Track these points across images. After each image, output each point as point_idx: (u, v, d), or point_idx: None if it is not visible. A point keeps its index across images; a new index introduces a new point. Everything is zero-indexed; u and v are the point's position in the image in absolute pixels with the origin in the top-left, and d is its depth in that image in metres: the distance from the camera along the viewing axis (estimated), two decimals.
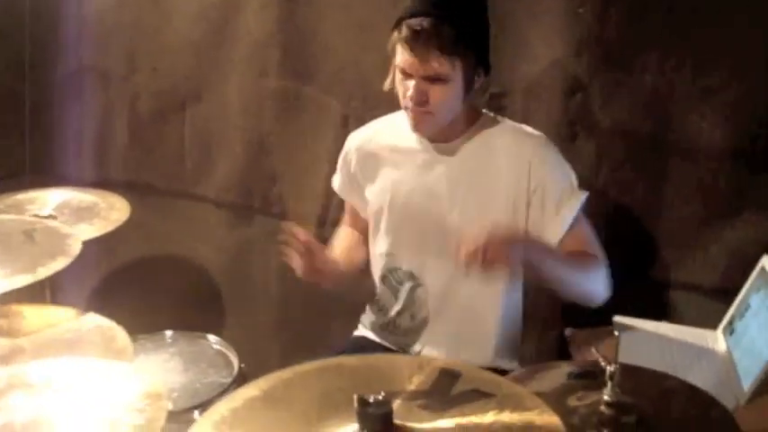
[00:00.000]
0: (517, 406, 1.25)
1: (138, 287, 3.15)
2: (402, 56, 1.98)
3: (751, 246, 2.32)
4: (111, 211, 2.53)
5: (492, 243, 1.84)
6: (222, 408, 1.30)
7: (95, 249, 2.40)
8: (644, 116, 2.39)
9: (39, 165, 3.26)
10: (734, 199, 2.35)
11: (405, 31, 1.95)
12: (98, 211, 2.53)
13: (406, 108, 2.05)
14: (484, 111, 2.17)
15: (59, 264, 1.90)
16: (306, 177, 2.89)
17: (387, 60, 2.62)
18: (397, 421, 1.21)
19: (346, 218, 2.43)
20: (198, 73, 2.99)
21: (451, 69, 1.96)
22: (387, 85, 2.08)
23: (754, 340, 2.03)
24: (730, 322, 2.20)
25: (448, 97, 2.00)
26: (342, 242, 2.38)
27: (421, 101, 1.99)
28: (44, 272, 1.86)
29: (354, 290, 2.75)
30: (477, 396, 1.28)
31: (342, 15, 2.70)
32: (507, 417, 1.23)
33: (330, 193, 2.54)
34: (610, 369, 1.47)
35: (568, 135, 2.44)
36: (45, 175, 3.14)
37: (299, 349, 2.99)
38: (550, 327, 2.52)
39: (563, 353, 2.34)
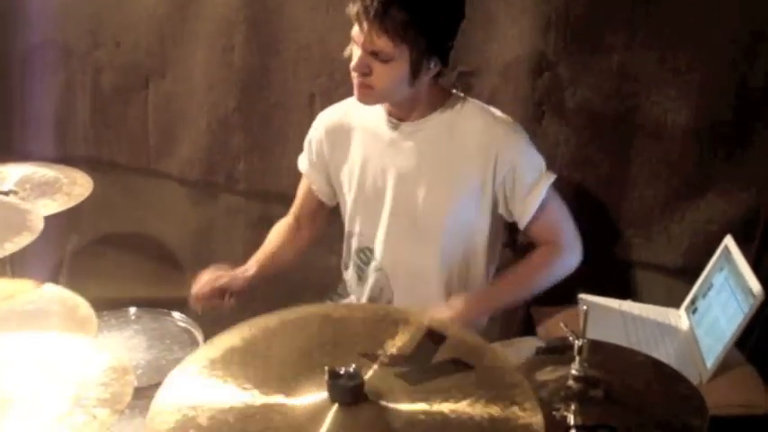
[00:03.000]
0: (494, 385, 1.24)
1: (100, 264, 3.12)
2: (354, 27, 1.99)
3: (714, 226, 2.35)
4: (74, 186, 2.49)
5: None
6: (201, 357, 1.30)
7: (57, 226, 2.37)
8: (610, 96, 2.40)
9: None
10: (698, 180, 2.37)
11: (357, 5, 1.95)
12: (60, 187, 2.48)
13: (353, 77, 2.05)
14: (453, 91, 2.16)
15: (25, 239, 1.86)
16: (271, 155, 2.87)
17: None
18: (368, 393, 1.21)
19: (297, 202, 2.40)
20: (162, 48, 2.95)
21: (395, 51, 1.94)
22: (347, 52, 2.07)
23: (716, 319, 2.06)
24: (693, 301, 2.23)
25: (389, 77, 1.99)
26: (276, 237, 2.37)
27: (362, 72, 1.99)
28: (11, 247, 1.82)
29: (320, 269, 2.76)
30: (458, 367, 1.27)
31: None
32: (479, 410, 1.22)
33: (295, 171, 2.52)
34: (578, 343, 1.49)
35: (535, 115, 2.45)
36: (5, 152, 3.07)
37: None
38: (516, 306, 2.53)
39: (528, 331, 2.36)
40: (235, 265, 3.03)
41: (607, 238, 2.48)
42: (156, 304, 2.44)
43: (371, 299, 2.25)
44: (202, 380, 1.27)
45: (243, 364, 1.30)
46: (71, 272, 3.11)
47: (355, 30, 1.98)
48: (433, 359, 1.30)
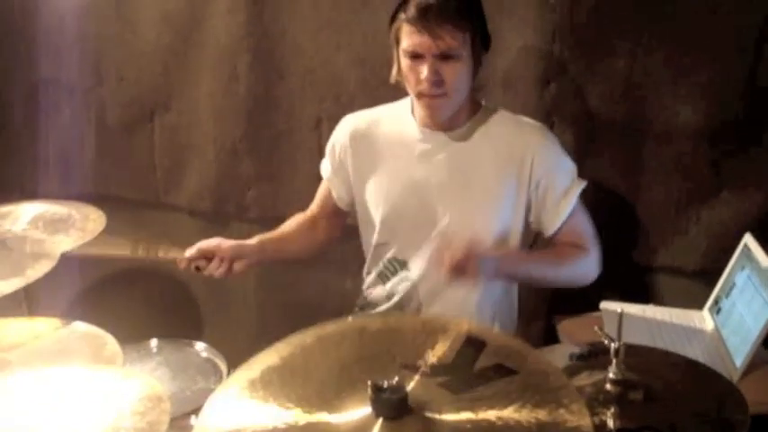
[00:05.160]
0: (539, 389, 1.23)
1: (114, 299, 3.10)
2: (410, 38, 1.96)
3: (730, 226, 2.35)
4: (87, 221, 2.46)
5: (464, 255, 1.88)
6: (241, 378, 1.28)
7: (69, 263, 2.36)
8: (619, 101, 2.40)
9: (5, 182, 3.19)
10: (712, 180, 2.37)
11: (411, 10, 1.94)
12: (73, 223, 2.46)
13: (420, 95, 2.02)
14: (483, 102, 2.17)
15: (45, 266, 1.86)
16: (281, 181, 2.86)
17: (358, 59, 2.65)
18: (412, 406, 1.19)
19: (315, 204, 2.38)
20: (166, 81, 2.95)
21: (463, 43, 1.95)
22: (393, 76, 2.06)
23: (742, 317, 2.05)
24: (716, 301, 2.22)
25: (461, 75, 1.99)
26: (288, 226, 2.34)
27: (437, 81, 1.96)
28: (33, 274, 1.82)
29: (336, 293, 2.75)
30: (501, 373, 1.26)
31: (311, 15, 2.68)
32: (526, 415, 1.20)
33: (305, 195, 2.51)
34: (614, 346, 1.48)
35: (545, 124, 2.45)
36: (12, 193, 3.07)
37: None
38: (537, 316, 2.52)
39: (550, 342, 2.34)
40: (245, 295, 3.06)
41: (625, 244, 2.47)
42: (171, 337, 2.43)
43: (400, 307, 2.23)
44: (243, 401, 1.26)
45: (283, 383, 1.28)
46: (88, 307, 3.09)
47: (412, 40, 1.95)
48: (474, 366, 1.28)
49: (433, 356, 1.30)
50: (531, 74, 2.46)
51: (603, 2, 2.36)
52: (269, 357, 1.35)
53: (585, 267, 2.11)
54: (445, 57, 1.95)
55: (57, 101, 3.10)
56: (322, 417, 1.21)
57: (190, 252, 2.16)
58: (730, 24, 2.25)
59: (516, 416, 1.19)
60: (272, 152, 2.85)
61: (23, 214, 2.52)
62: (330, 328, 1.40)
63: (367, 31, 2.58)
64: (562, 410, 1.19)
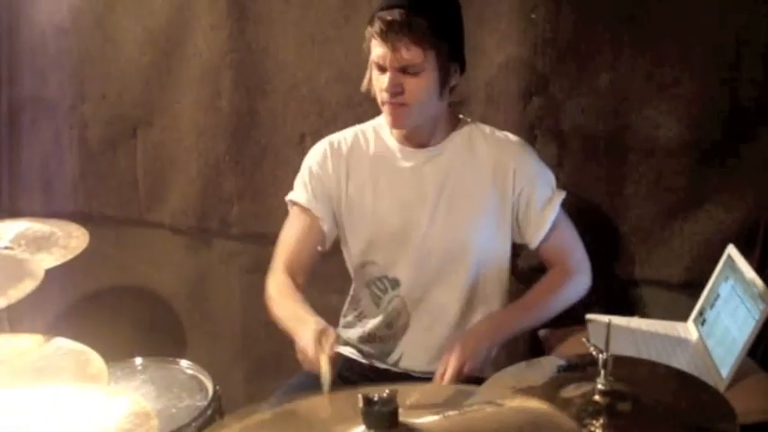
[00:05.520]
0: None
1: (97, 317, 3.08)
2: (376, 50, 2.00)
3: (713, 237, 2.37)
4: (70, 239, 2.47)
5: (463, 362, 1.94)
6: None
7: (52, 281, 2.34)
8: (601, 115, 2.42)
9: None
10: (694, 192, 2.38)
11: (377, 23, 1.98)
12: (56, 240, 2.46)
13: (383, 104, 2.05)
14: (461, 116, 2.18)
15: (28, 286, 1.85)
16: (264, 197, 2.86)
17: (341, 75, 2.65)
18: (403, 419, 1.19)
19: (287, 250, 2.19)
20: (148, 98, 2.95)
21: (423, 59, 1.98)
22: (364, 85, 2.09)
23: (726, 328, 2.05)
24: (701, 312, 2.23)
25: (422, 89, 2.01)
26: (293, 289, 2.15)
27: (395, 92, 2.00)
28: (16, 294, 1.81)
29: (319, 308, 2.74)
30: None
31: (294, 31, 2.69)
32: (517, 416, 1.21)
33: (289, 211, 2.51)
34: (602, 357, 1.48)
35: (528, 139, 2.44)
36: None
37: (263, 372, 2.96)
38: None
39: (536, 355, 2.34)
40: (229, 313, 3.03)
41: (608, 257, 2.48)
42: (154, 354, 2.42)
43: (389, 323, 2.22)
44: None
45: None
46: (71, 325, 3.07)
47: (378, 51, 2.00)
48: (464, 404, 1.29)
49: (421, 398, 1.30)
50: (514, 88, 2.47)
51: (585, 17, 2.38)
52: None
53: (576, 288, 2.16)
54: (405, 70, 1.98)
55: (39, 118, 3.09)
56: None
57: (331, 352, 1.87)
58: (711, 39, 2.27)
59: (507, 417, 1.19)
60: (256, 168, 2.85)
61: (6, 232, 2.52)
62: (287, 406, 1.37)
63: (350, 47, 2.59)
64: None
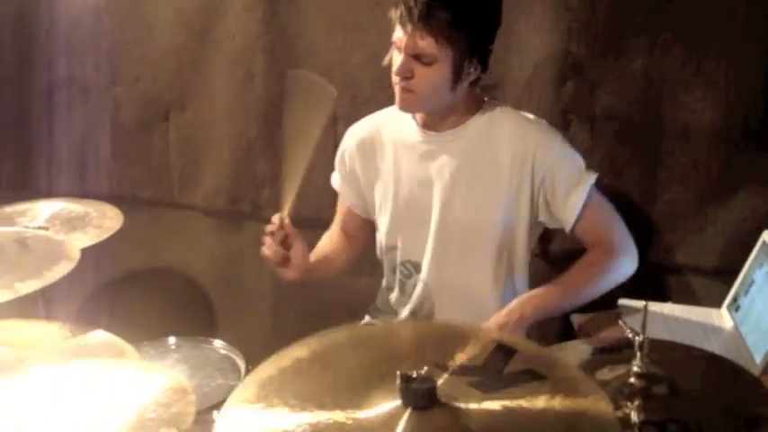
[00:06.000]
0: (570, 391, 1.23)
1: (129, 298, 3.11)
2: (396, 31, 2.01)
3: (747, 224, 2.35)
4: (104, 219, 2.48)
5: (508, 328, 1.99)
6: (270, 367, 1.28)
7: (86, 262, 2.36)
8: (636, 101, 2.41)
9: (21, 181, 3.20)
10: (728, 179, 2.37)
11: (400, 7, 1.98)
12: (90, 221, 2.48)
13: (394, 84, 2.06)
14: (486, 99, 2.17)
15: (63, 268, 1.86)
16: None
17: (373, 58, 2.65)
18: (441, 398, 1.19)
19: (337, 219, 2.41)
20: (181, 81, 2.96)
21: (438, 52, 1.96)
22: (386, 60, 2.08)
23: (761, 314, 2.05)
24: (735, 299, 2.22)
25: (431, 79, 2.00)
26: (323, 247, 2.35)
27: (405, 76, 2.00)
28: (51, 276, 1.82)
29: (350, 290, 2.75)
30: (530, 377, 1.26)
31: (326, 15, 2.69)
32: (559, 403, 1.21)
33: (322, 195, 2.52)
34: (638, 339, 1.47)
35: (562, 124, 2.45)
36: (28, 192, 3.08)
37: None
38: None
39: (566, 339, 2.34)
40: (261, 294, 3.05)
41: (642, 242, 2.44)
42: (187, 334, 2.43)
43: (413, 311, 2.23)
44: (271, 393, 1.26)
45: (313, 373, 1.29)
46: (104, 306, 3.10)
47: (398, 33, 2.00)
48: (504, 370, 1.28)
49: (462, 358, 1.30)
50: (548, 73, 2.46)
51: (620, 1, 2.36)
52: (298, 351, 1.35)
53: (617, 267, 2.11)
54: (418, 58, 1.98)
55: (73, 101, 3.11)
56: (351, 413, 1.20)
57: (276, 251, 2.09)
58: (746, 22, 2.26)
59: (547, 404, 1.19)
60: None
61: (41, 212, 2.54)
62: (361, 329, 1.41)
63: (382, 30, 2.55)
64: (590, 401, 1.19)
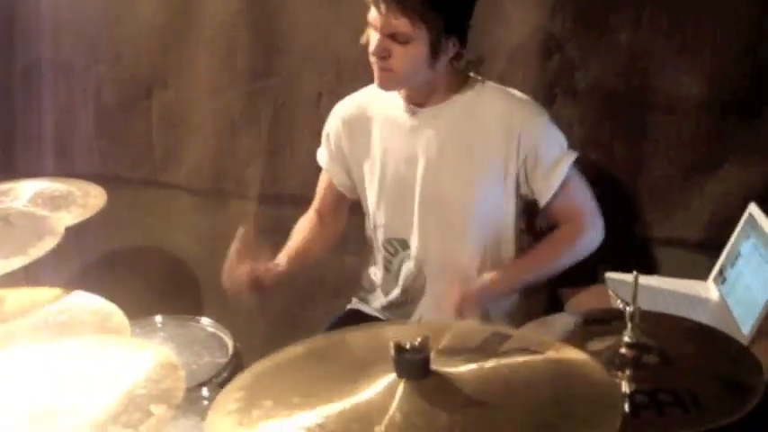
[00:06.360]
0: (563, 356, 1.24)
1: (114, 277, 3.09)
2: (371, 10, 1.99)
3: (733, 197, 2.36)
4: (88, 198, 2.45)
5: (464, 300, 1.99)
6: (265, 361, 1.28)
7: (70, 241, 2.34)
8: (621, 74, 2.41)
9: (3, 162, 3.16)
10: (713, 152, 2.38)
11: None
12: (74, 199, 2.45)
13: (372, 63, 2.05)
14: (471, 75, 2.16)
15: (48, 243, 1.84)
16: (281, 157, 2.85)
17: (358, 34, 2.63)
18: (434, 367, 1.19)
19: (316, 199, 2.39)
20: (163, 58, 2.93)
21: (413, 31, 1.95)
22: (363, 38, 2.07)
23: (748, 286, 2.06)
24: (721, 271, 2.23)
25: (408, 58, 1.99)
26: (301, 233, 2.33)
27: (381, 55, 1.99)
28: (36, 252, 1.80)
29: (334, 268, 2.75)
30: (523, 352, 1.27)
31: None
32: (552, 365, 1.23)
33: (306, 171, 2.51)
34: (629, 310, 1.48)
35: (547, 98, 2.44)
36: (9, 172, 3.04)
37: (281, 332, 2.96)
38: (539, 288, 2.51)
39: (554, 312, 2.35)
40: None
41: (627, 216, 2.48)
42: (173, 314, 2.42)
43: (404, 289, 2.23)
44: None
45: (308, 365, 1.32)
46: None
47: (372, 13, 1.98)
48: (494, 350, 1.30)
49: (449, 341, 1.31)
50: (534, 47, 2.46)
51: None
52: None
53: (584, 243, 2.14)
54: (394, 37, 1.97)
55: (54, 80, 3.07)
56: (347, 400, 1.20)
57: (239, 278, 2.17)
58: None
59: (535, 361, 1.20)
60: (272, 129, 2.84)
61: (24, 191, 2.51)
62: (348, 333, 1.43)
63: (366, 5, 2.56)
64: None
